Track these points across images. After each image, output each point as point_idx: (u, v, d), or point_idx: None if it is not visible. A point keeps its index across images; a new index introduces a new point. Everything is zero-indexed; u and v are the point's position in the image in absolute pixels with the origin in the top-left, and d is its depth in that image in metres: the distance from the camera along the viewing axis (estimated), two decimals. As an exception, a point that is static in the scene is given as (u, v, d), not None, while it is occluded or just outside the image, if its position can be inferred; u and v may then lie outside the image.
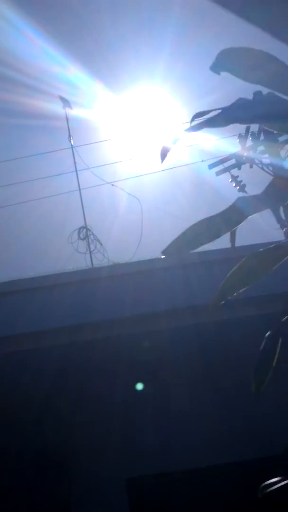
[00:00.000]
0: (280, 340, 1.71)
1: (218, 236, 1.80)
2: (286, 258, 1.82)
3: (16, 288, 5.00)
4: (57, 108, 13.58)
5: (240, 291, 1.80)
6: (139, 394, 4.15)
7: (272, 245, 1.82)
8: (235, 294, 1.81)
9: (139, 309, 4.41)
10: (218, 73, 1.71)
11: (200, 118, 1.70)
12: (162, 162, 1.61)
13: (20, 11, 11.68)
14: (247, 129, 13.69)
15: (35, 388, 4.32)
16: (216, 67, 1.70)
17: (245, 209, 1.77)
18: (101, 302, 4.59)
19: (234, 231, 1.95)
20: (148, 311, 4.38)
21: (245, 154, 14.39)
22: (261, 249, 1.83)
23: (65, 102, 14.19)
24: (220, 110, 1.67)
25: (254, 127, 13.12)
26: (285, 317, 1.80)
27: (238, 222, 1.80)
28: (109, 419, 4.14)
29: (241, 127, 12.96)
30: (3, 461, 4.84)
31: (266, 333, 1.80)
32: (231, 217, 1.79)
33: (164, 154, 1.63)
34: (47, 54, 12.74)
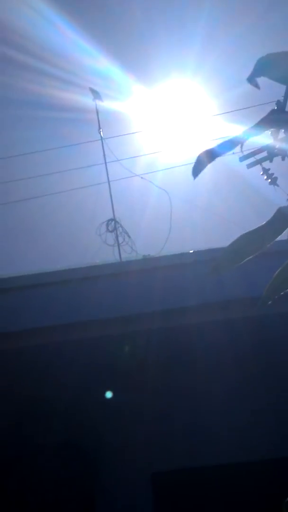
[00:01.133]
0: None
1: (262, 249, 1.77)
2: None
3: (47, 280, 5.04)
4: (87, 100, 13.61)
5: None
6: (169, 388, 4.16)
7: None
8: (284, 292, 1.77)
9: (169, 304, 4.41)
10: (258, 87, 1.64)
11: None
12: (194, 179, 1.56)
13: (52, 4, 11.73)
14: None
15: (65, 381, 4.36)
16: (255, 76, 1.63)
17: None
18: (132, 295, 4.60)
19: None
20: (178, 306, 4.37)
21: (277, 146, 14.17)
22: None
23: (95, 93, 14.20)
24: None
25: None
26: None
27: (281, 232, 1.77)
28: (136, 412, 4.15)
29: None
30: (30, 452, 4.91)
31: None
32: (274, 228, 1.75)
33: (197, 171, 1.58)
34: (79, 47, 12.77)
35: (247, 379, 3.96)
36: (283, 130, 1.79)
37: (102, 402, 4.62)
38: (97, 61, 13.49)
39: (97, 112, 14.07)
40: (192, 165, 1.55)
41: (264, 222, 1.70)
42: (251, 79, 1.57)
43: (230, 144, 1.65)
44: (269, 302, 1.74)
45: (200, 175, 1.54)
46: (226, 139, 1.64)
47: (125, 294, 4.70)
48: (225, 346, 4.14)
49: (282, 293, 1.72)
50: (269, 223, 1.69)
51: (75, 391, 4.41)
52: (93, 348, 4.40)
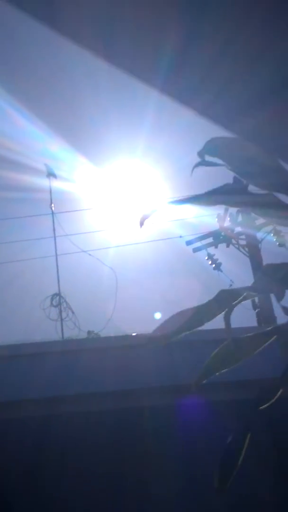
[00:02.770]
0: (248, 435, 1.64)
1: (200, 325, 1.87)
2: (264, 346, 1.88)
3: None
4: (41, 180, 13.89)
5: (221, 371, 1.85)
6: (116, 471, 4.08)
7: (252, 333, 1.90)
8: (216, 374, 1.85)
9: (122, 385, 4.41)
10: (203, 159, 1.77)
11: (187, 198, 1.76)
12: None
13: (3, 90, 12.13)
14: (226, 210, 14.14)
15: (12, 460, 4.21)
16: (204, 154, 1.77)
17: (227, 302, 1.84)
18: (80, 375, 4.58)
19: (228, 317, 2.01)
20: (129, 388, 4.38)
21: (222, 233, 14.81)
22: (242, 336, 1.90)
23: (50, 170, 14.51)
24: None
25: (233, 208, 13.57)
26: (257, 407, 1.75)
27: (219, 313, 1.88)
28: (86, 494, 4.04)
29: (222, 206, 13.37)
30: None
31: (235, 420, 1.81)
32: (213, 309, 1.85)
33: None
34: (30, 130, 13.16)
35: (198, 468, 3.95)
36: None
37: (52, 485, 4.46)
38: (49, 144, 13.89)
39: (50, 188, 14.32)
40: (142, 245, 1.65)
41: (205, 302, 1.81)
42: (201, 154, 1.74)
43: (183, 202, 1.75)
44: (204, 381, 1.82)
45: (148, 255, 1.65)
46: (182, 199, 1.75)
47: (73, 373, 4.67)
48: (174, 430, 4.15)
49: (217, 373, 1.81)
50: (209, 303, 1.80)
51: (24, 471, 4.25)
52: (41, 427, 4.30)
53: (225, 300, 1.80)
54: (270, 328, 1.89)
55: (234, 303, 1.82)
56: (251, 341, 1.86)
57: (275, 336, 1.79)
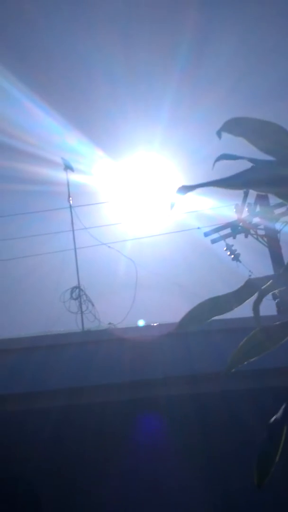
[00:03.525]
0: (285, 428, 1.60)
1: (224, 312, 1.87)
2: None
3: (13, 346, 5.01)
4: (59, 173, 13.95)
5: (250, 360, 1.83)
6: (128, 466, 4.12)
7: (279, 322, 1.89)
8: (245, 363, 1.84)
9: (139, 376, 4.44)
10: (220, 138, 1.77)
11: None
12: (171, 209, 1.63)
13: (22, 84, 12.21)
14: (244, 199, 14.07)
15: (31, 450, 4.27)
16: (223, 132, 1.76)
17: (255, 289, 1.84)
18: (98, 366, 4.62)
19: (258, 305, 1.97)
20: (147, 378, 4.41)
21: (240, 223, 14.77)
22: (271, 324, 1.89)
23: (67, 164, 14.56)
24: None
25: (251, 198, 13.51)
26: None
27: (244, 301, 1.87)
28: (104, 486, 4.08)
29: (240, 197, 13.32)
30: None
31: (270, 410, 1.81)
32: (239, 296, 1.84)
33: (173, 204, 1.66)
34: (48, 124, 13.23)
35: (213, 455, 3.97)
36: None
37: (69, 475, 4.52)
38: (67, 137, 13.95)
39: (68, 181, 14.38)
40: (160, 237, 1.64)
41: (235, 290, 1.81)
42: (219, 133, 1.73)
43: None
44: (233, 371, 1.82)
45: (166, 247, 1.63)
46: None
47: (91, 364, 4.71)
48: (192, 420, 4.17)
49: (245, 363, 1.81)
50: (236, 291, 1.80)
51: (39, 462, 4.32)
52: (60, 417, 4.35)
53: (253, 288, 1.79)
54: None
55: (262, 291, 1.80)
56: (280, 329, 1.86)
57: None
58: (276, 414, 1.71)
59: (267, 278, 1.86)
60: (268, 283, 1.79)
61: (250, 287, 1.85)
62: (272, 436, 1.63)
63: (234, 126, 1.78)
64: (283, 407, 1.76)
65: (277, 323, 1.89)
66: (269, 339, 1.88)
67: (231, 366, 1.83)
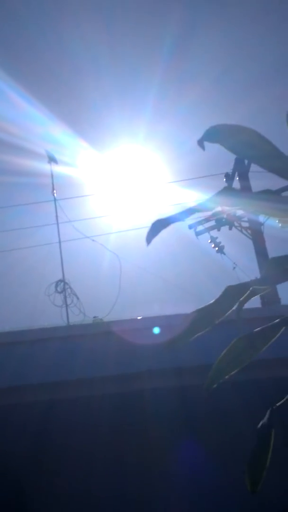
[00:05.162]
0: (273, 432, 1.57)
1: (212, 324, 1.81)
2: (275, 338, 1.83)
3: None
4: (42, 165, 13.83)
5: (234, 372, 1.76)
6: (119, 454, 4.12)
7: (260, 328, 1.84)
8: (230, 375, 1.76)
9: (124, 369, 4.43)
10: (203, 148, 1.75)
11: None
12: (148, 245, 1.60)
13: (4, 74, 12.08)
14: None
15: (15, 444, 4.25)
16: (204, 141, 1.75)
17: (235, 298, 1.79)
18: (83, 360, 4.60)
19: (239, 315, 1.92)
20: (131, 372, 4.40)
21: (224, 216, 14.78)
22: (251, 331, 1.82)
23: (51, 156, 14.45)
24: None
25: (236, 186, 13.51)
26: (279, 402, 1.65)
27: (229, 309, 1.82)
28: (89, 478, 4.08)
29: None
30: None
31: (255, 402, 1.78)
32: (222, 306, 1.78)
33: (151, 237, 1.62)
34: (32, 114, 13.11)
35: (201, 446, 3.98)
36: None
37: (54, 468, 4.51)
38: (50, 128, 13.84)
39: (52, 173, 14.27)
40: (145, 230, 1.60)
41: (213, 300, 1.77)
42: (200, 143, 1.71)
43: (185, 214, 1.74)
44: (214, 386, 1.76)
45: (152, 241, 1.59)
46: (182, 209, 1.74)
47: (76, 358, 4.70)
48: (178, 412, 4.17)
49: (227, 377, 1.75)
50: (217, 301, 1.76)
51: (23, 456, 4.30)
52: (45, 411, 4.34)
53: (234, 296, 1.75)
54: (277, 320, 1.85)
55: (242, 299, 1.76)
56: (261, 335, 1.81)
57: (283, 328, 1.76)
58: (262, 420, 1.68)
59: (247, 284, 1.81)
60: (247, 292, 1.74)
61: (229, 297, 1.79)
62: (260, 441, 1.59)
63: (212, 134, 1.76)
64: (268, 412, 1.72)
65: (258, 329, 1.83)
66: (251, 346, 1.81)
67: (213, 379, 1.74)
